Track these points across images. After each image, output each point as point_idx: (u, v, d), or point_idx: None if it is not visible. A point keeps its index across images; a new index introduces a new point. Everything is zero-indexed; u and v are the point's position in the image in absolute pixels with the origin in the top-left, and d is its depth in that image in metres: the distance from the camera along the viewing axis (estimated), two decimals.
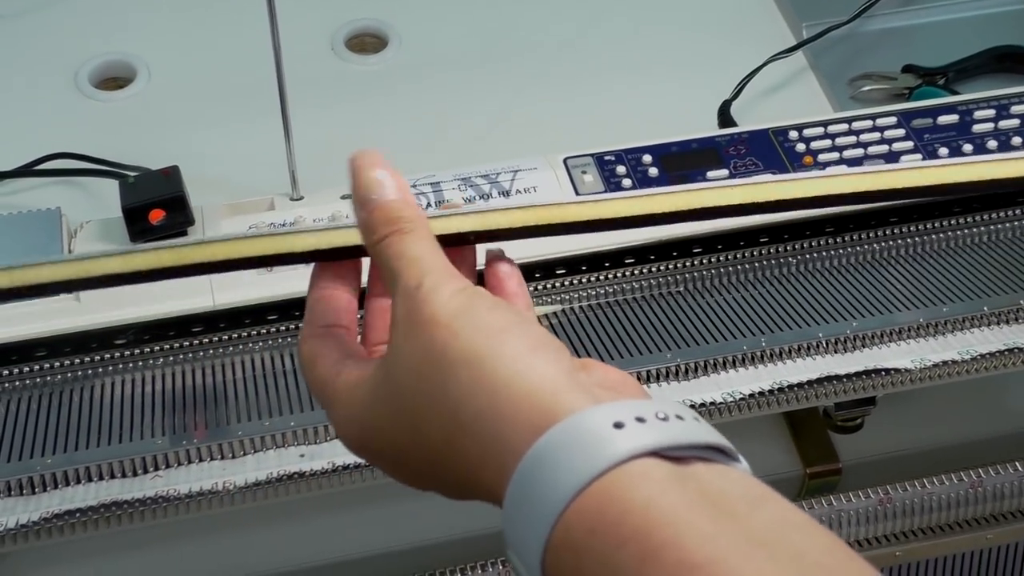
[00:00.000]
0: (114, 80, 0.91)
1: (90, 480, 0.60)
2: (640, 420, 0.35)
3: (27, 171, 0.80)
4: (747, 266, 0.72)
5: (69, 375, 0.66)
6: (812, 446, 0.72)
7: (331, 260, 0.47)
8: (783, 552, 0.33)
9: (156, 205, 0.67)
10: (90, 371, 0.66)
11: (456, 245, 0.47)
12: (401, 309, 0.41)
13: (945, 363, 0.65)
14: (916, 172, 0.51)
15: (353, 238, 0.45)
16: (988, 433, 0.75)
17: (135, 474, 0.60)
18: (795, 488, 0.73)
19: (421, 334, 0.40)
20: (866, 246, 0.73)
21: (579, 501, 0.34)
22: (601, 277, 0.72)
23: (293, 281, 0.67)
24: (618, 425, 0.35)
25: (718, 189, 0.50)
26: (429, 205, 0.71)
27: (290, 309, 0.68)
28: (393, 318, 0.41)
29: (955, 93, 0.87)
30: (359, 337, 0.46)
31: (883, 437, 0.73)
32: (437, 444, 0.39)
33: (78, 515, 0.58)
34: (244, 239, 0.47)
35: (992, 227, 0.75)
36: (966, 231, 0.74)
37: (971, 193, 0.66)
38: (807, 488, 0.72)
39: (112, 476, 0.60)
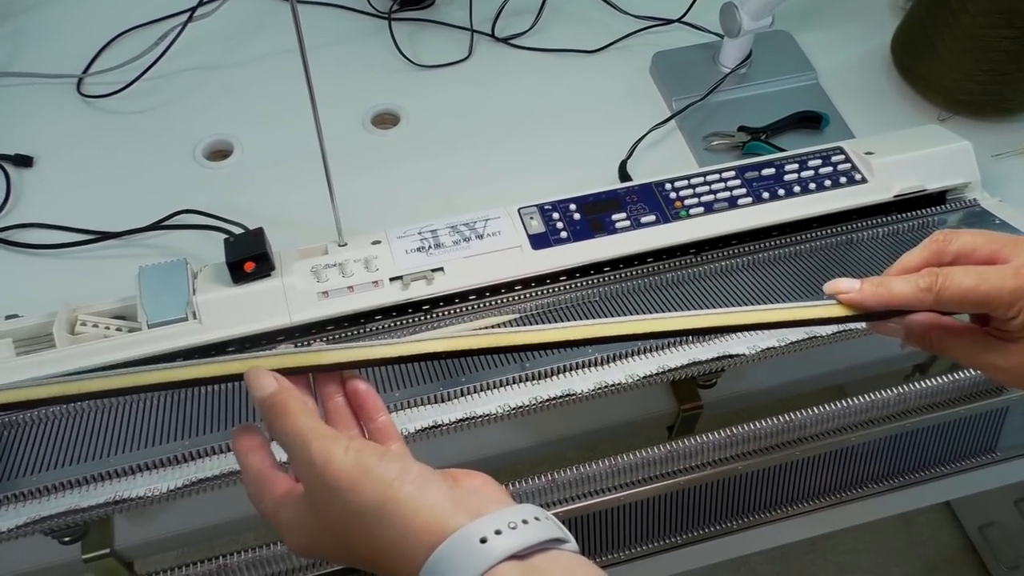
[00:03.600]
0: (220, 152, 0.86)
1: (214, 455, 0.57)
2: (498, 533, 0.34)
3: (162, 225, 0.77)
4: (636, 282, 0.69)
5: None
6: (684, 393, 0.70)
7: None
8: None
9: (249, 259, 0.63)
10: None
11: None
12: (307, 478, 0.38)
13: (769, 348, 0.62)
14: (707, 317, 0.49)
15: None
16: (798, 381, 0.73)
17: None
18: (673, 418, 0.72)
19: (334, 497, 0.37)
20: (716, 264, 0.70)
21: None
22: (543, 291, 0.69)
23: (345, 304, 0.65)
24: (483, 540, 0.34)
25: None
26: (429, 247, 0.68)
27: (341, 321, 0.66)
28: (303, 482, 0.39)
29: (773, 145, 0.84)
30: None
31: (728, 389, 0.71)
32: (363, 556, 0.37)
33: (207, 481, 0.55)
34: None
35: (805, 245, 0.72)
36: (786, 248, 0.71)
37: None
38: (681, 419, 0.71)
39: (228, 451, 0.57)
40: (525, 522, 0.35)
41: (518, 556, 0.34)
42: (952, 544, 1.50)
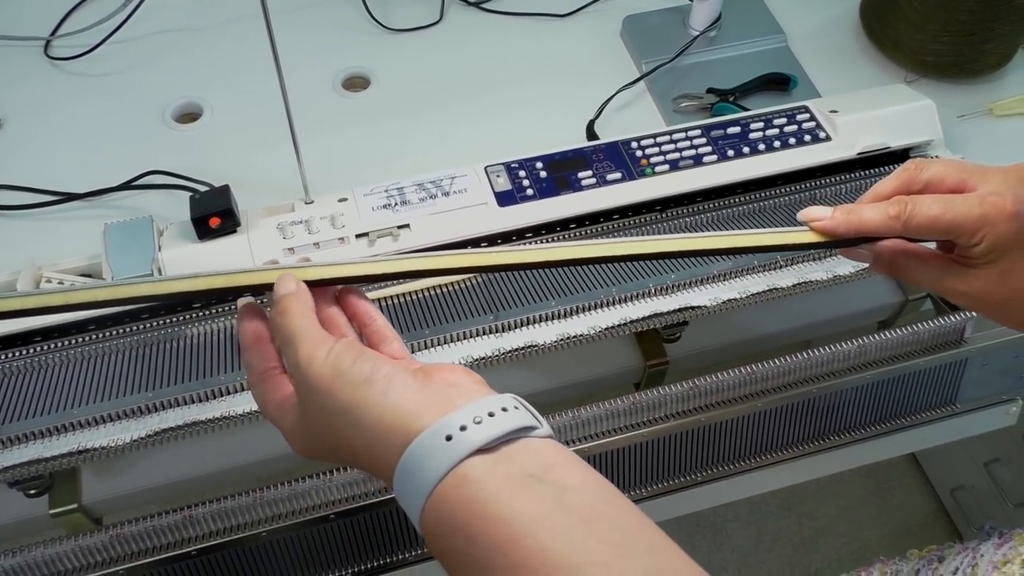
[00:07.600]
0: (189, 115, 0.85)
1: (178, 406, 0.57)
2: (463, 428, 0.34)
3: (130, 186, 0.76)
4: (602, 238, 0.69)
5: (160, 332, 0.62)
6: (650, 348, 0.71)
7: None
8: (567, 509, 0.32)
9: (214, 215, 0.63)
10: (171, 329, 0.62)
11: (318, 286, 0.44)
12: (294, 379, 0.39)
13: (730, 300, 0.63)
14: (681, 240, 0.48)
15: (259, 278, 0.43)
16: (764, 336, 0.74)
17: (207, 400, 0.57)
18: (640, 375, 0.72)
19: (312, 398, 0.38)
20: (681, 220, 0.71)
21: (429, 503, 0.34)
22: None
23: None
24: (448, 438, 0.34)
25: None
26: (396, 204, 0.68)
27: None
28: (293, 383, 0.40)
29: (741, 106, 0.84)
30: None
31: (693, 342, 0.71)
32: (346, 456, 0.38)
33: (171, 431, 0.55)
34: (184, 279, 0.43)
35: (769, 201, 0.72)
36: (751, 205, 0.72)
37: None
38: (648, 375, 0.71)
39: (192, 402, 0.57)
40: (492, 415, 0.34)
41: (486, 449, 0.33)
42: (924, 508, 1.52)
